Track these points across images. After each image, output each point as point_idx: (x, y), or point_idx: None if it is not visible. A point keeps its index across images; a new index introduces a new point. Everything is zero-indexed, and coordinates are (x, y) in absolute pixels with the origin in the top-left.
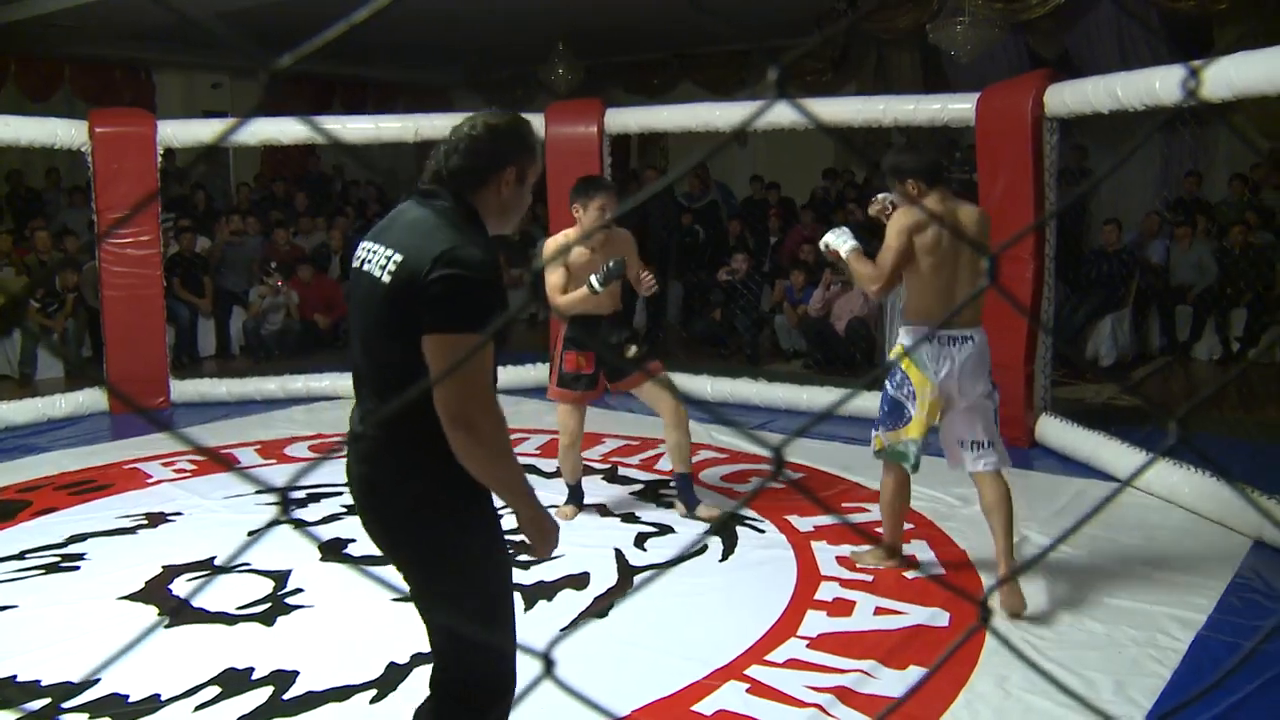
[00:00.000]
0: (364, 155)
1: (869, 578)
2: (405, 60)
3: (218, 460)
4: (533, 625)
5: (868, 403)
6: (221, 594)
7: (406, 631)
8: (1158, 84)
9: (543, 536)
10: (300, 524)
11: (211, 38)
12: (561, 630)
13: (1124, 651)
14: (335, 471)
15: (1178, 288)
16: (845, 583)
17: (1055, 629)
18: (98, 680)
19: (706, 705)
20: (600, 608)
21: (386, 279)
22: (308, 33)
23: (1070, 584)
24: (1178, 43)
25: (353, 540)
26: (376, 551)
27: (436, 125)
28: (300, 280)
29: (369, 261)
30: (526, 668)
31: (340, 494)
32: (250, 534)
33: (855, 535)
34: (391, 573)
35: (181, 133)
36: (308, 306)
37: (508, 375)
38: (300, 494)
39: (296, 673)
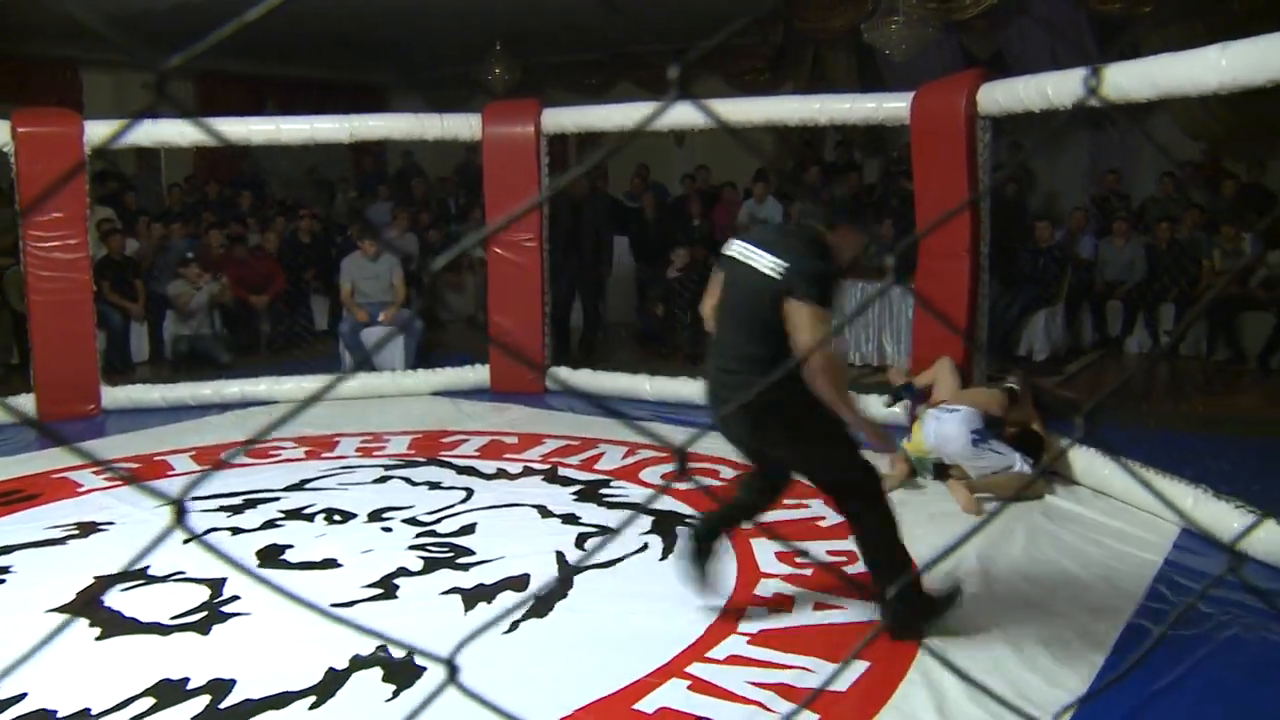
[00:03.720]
0: (275, 155)
1: (808, 573)
2: (340, 60)
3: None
4: (472, 626)
5: None
6: (155, 603)
7: (345, 637)
8: (1084, 84)
9: (875, 432)
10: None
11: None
12: (502, 632)
13: (1056, 639)
14: (272, 477)
15: (1109, 283)
16: (785, 578)
17: (989, 619)
18: (24, 695)
19: (648, 703)
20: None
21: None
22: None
23: (1003, 575)
24: (1106, 43)
25: (290, 546)
26: (315, 557)
27: (372, 126)
28: (235, 259)
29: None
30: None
31: (278, 499)
32: (185, 542)
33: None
34: (319, 579)
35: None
36: (242, 286)
37: (447, 376)
38: (237, 500)
39: (233, 681)
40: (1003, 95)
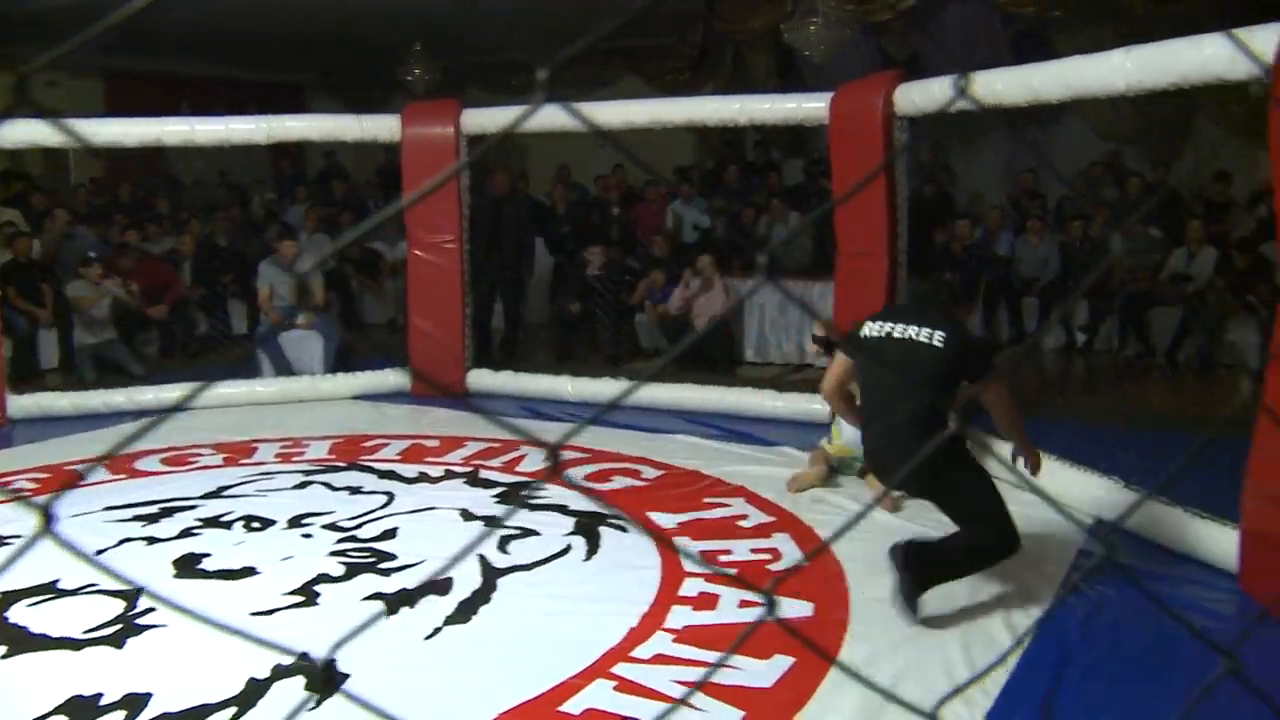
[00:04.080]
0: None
1: (732, 571)
2: (257, 59)
3: None
4: (395, 632)
5: (721, 398)
6: (65, 618)
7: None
8: (1000, 84)
9: (1035, 456)
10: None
11: (41, 34)
12: (425, 637)
13: (977, 629)
14: (189, 485)
15: (1025, 280)
16: (709, 577)
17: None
18: None
19: (574, 704)
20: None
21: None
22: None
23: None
24: (1020, 46)
25: (208, 555)
26: (233, 565)
27: (290, 127)
28: (123, 269)
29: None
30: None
31: (195, 507)
32: (98, 553)
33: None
34: (237, 588)
35: (10, 132)
36: (143, 297)
37: (367, 380)
38: (153, 509)
39: (149, 695)
40: (919, 96)
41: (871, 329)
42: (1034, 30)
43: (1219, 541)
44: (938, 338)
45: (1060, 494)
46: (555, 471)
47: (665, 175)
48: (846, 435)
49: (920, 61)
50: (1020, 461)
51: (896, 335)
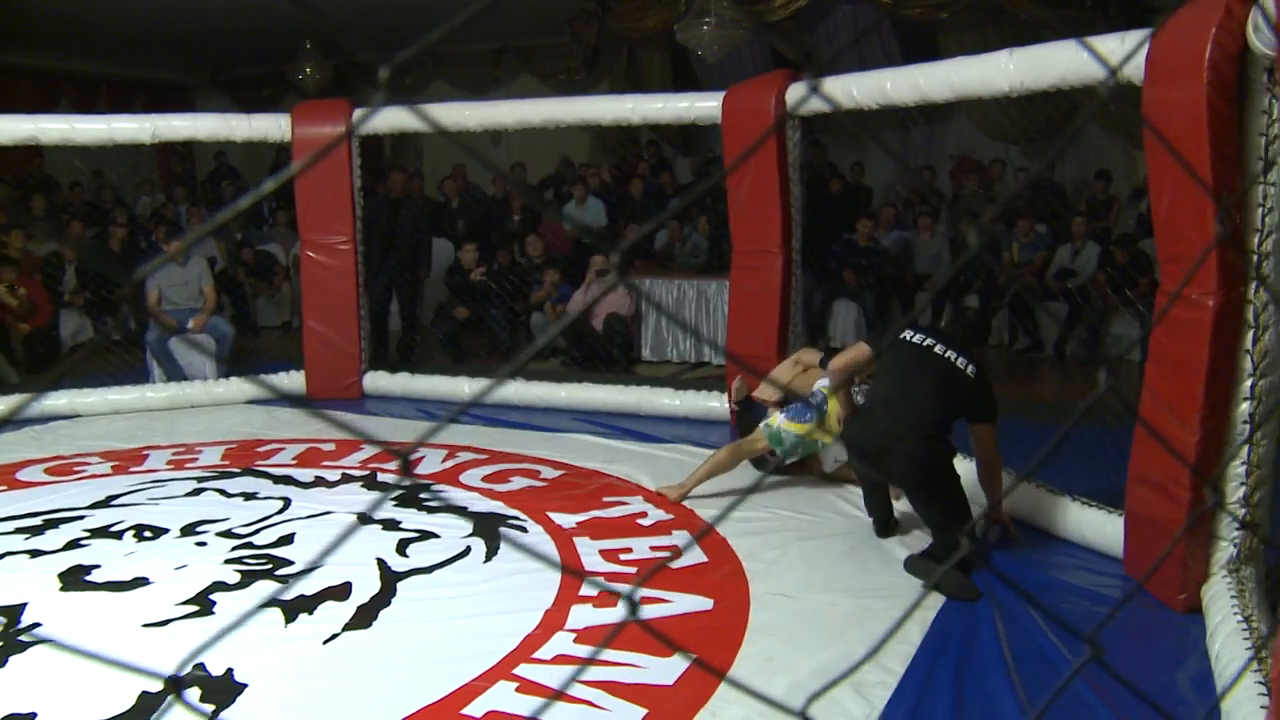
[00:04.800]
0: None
1: (633, 569)
2: (141, 56)
3: None
4: (294, 640)
5: (619, 397)
6: None
7: (160, 658)
8: (889, 84)
9: (1008, 522)
10: None
11: None
12: (324, 642)
13: (877, 622)
14: (75, 495)
15: (918, 276)
16: (610, 575)
17: (813, 605)
18: None
19: (476, 707)
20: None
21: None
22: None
23: (825, 559)
24: (908, 46)
25: (96, 566)
26: (123, 577)
27: (176, 126)
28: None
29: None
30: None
31: (82, 518)
32: None
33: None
34: (128, 600)
35: None
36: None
37: (263, 384)
38: (36, 520)
39: (34, 715)
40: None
41: (913, 336)
42: (922, 31)
43: (1106, 528)
44: (970, 369)
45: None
46: (407, 471)
47: (561, 173)
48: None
49: (812, 60)
50: (993, 531)
51: (937, 351)
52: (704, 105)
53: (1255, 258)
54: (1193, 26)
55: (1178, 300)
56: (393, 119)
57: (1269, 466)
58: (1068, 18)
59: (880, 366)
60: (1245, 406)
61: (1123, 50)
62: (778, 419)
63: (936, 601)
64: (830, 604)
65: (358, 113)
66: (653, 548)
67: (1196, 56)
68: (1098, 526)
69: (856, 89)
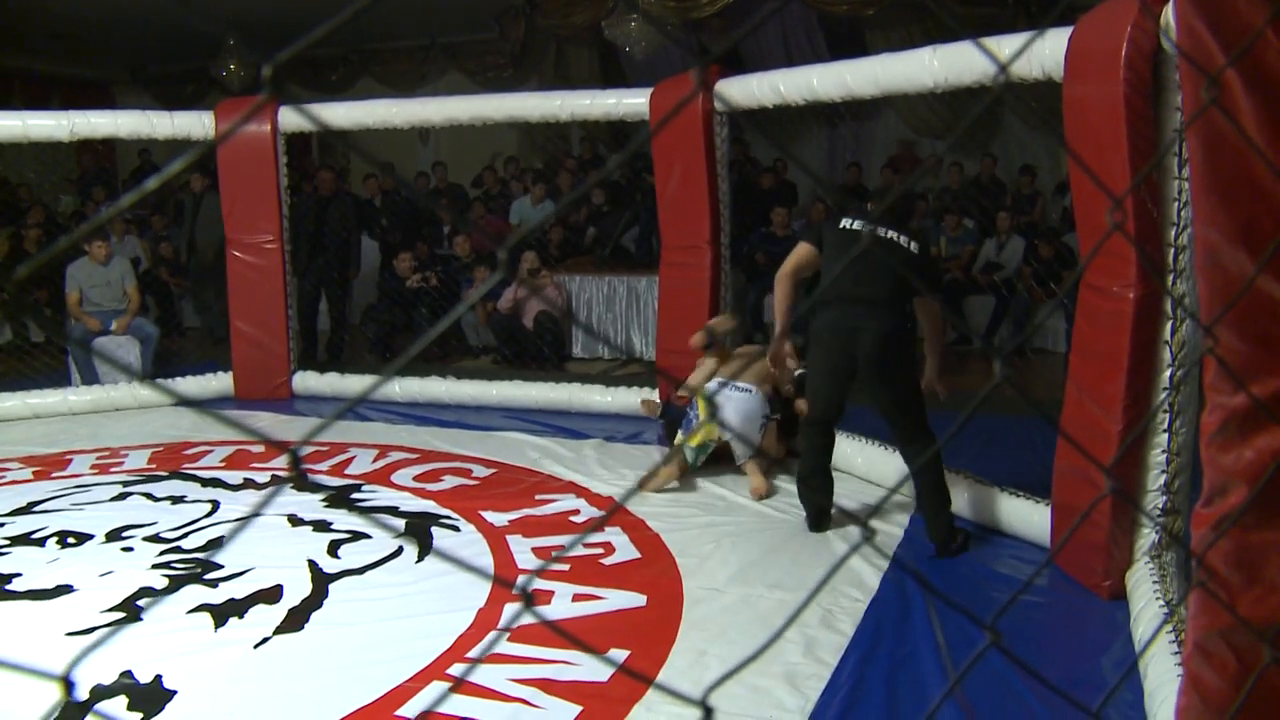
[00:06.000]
0: None
1: (566, 566)
2: (59, 50)
3: None
4: (224, 644)
5: (550, 394)
6: None
7: (84, 666)
8: (815, 80)
9: (945, 380)
10: None
11: None
12: (254, 646)
13: (809, 614)
14: None
15: None
16: (543, 573)
17: (745, 598)
18: None
19: (410, 708)
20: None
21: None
22: None
23: (758, 553)
24: (835, 43)
25: (17, 575)
26: (46, 585)
27: (95, 123)
28: None
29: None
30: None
31: (2, 526)
32: None
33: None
34: (51, 608)
35: None
36: None
37: (188, 386)
38: None
39: None
40: (738, 91)
41: (853, 224)
42: (849, 28)
43: (1033, 518)
44: (913, 245)
45: (881, 478)
46: (298, 470)
47: (494, 169)
48: (727, 412)
49: (740, 57)
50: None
51: (879, 233)
52: (632, 102)
53: (1172, 251)
54: (1110, 25)
55: (1099, 293)
56: (323, 115)
57: (1188, 454)
58: (988, 16)
59: (827, 258)
60: (1164, 395)
61: (1027, 48)
62: (680, 438)
63: (868, 593)
64: (761, 597)
65: (285, 109)
66: (585, 544)
67: (1113, 55)
68: (1025, 516)
69: (784, 85)
